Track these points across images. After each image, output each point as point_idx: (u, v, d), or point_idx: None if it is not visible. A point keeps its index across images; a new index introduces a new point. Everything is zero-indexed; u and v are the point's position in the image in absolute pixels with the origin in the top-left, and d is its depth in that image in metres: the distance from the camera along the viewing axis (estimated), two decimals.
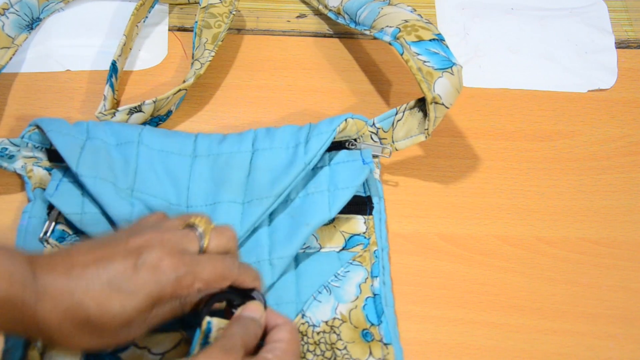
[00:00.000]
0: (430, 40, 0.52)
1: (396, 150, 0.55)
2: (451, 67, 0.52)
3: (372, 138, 0.55)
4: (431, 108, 0.52)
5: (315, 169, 0.53)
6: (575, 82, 0.63)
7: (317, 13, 0.66)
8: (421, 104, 0.54)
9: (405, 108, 0.54)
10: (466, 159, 0.59)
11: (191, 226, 0.45)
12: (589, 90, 0.63)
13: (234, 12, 0.61)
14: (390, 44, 0.54)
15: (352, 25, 0.59)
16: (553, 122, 0.61)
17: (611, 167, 0.59)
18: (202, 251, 0.44)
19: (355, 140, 0.54)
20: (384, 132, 0.55)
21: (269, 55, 0.64)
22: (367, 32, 0.57)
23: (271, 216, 0.52)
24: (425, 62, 0.52)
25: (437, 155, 0.59)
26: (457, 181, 0.58)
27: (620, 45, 0.65)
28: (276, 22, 0.66)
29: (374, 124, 0.54)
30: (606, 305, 0.53)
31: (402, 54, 0.52)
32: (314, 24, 0.66)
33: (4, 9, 0.60)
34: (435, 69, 0.51)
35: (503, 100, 0.62)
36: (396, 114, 0.54)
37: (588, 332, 0.52)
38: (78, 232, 0.51)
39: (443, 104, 0.51)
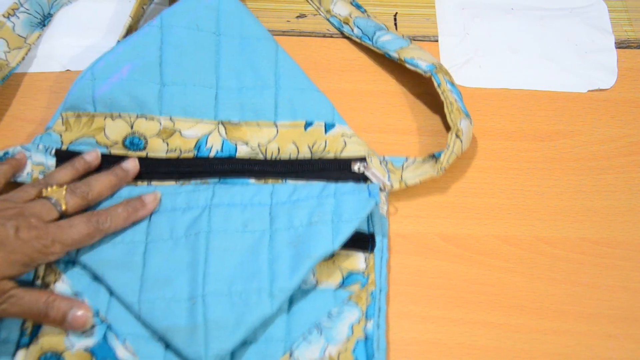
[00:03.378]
0: (457, 88, 0.58)
1: (405, 185, 0.54)
2: (469, 117, 0.56)
3: (381, 164, 0.55)
4: (452, 140, 0.54)
5: (320, 198, 0.52)
6: (575, 82, 0.63)
7: (317, 13, 0.66)
8: (431, 157, 0.55)
9: (416, 159, 0.56)
10: (466, 159, 0.59)
11: (45, 198, 0.49)
12: (589, 90, 0.63)
13: None
14: (428, 72, 0.57)
15: (365, 40, 0.62)
16: (553, 122, 0.61)
17: (611, 167, 0.59)
18: (63, 216, 0.49)
19: (364, 160, 0.55)
20: (393, 167, 0.55)
21: None
22: (394, 55, 0.59)
23: (272, 242, 0.50)
24: (456, 100, 0.56)
25: None
26: (457, 181, 0.58)
27: (620, 45, 0.65)
28: (276, 22, 0.66)
29: (384, 158, 0.55)
30: (606, 305, 0.53)
31: (439, 85, 0.57)
32: (314, 24, 0.66)
33: (13, 9, 0.60)
34: (462, 110, 0.56)
35: (503, 100, 0.62)
36: (406, 160, 0.56)
37: (588, 332, 0.52)
38: None
39: (461, 141, 0.54)
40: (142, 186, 0.54)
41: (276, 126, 0.56)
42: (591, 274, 0.54)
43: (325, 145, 0.56)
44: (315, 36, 0.65)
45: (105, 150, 0.55)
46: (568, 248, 0.55)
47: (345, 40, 0.65)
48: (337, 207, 0.51)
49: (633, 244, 0.55)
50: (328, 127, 0.56)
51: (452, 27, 0.66)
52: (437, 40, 0.65)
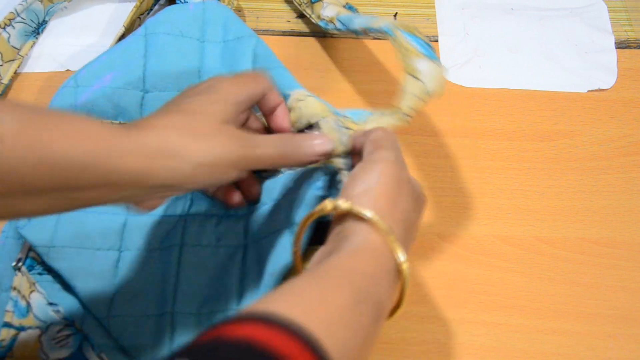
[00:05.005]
0: (424, 40, 0.50)
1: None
2: (437, 60, 0.49)
3: (335, 124, 0.49)
4: (408, 80, 0.48)
5: (274, 204, 0.50)
6: (575, 82, 0.63)
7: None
8: (395, 109, 0.49)
9: (382, 111, 0.50)
10: (466, 159, 0.59)
11: None
12: (589, 90, 0.63)
13: (233, 8, 0.61)
14: (381, 29, 0.51)
15: (343, 28, 0.58)
16: (553, 122, 0.61)
17: (611, 167, 0.59)
18: None
19: (313, 126, 0.50)
20: (353, 122, 0.49)
21: None
22: (358, 29, 0.55)
23: (244, 258, 0.49)
24: (413, 45, 0.49)
25: (437, 155, 0.59)
26: (457, 181, 0.58)
27: (620, 45, 0.65)
28: (276, 22, 0.66)
29: (344, 114, 0.50)
30: (606, 305, 0.53)
31: (395, 39, 0.49)
32: (314, 24, 0.66)
33: (9, 19, 0.60)
34: (422, 53, 0.49)
35: (503, 100, 0.62)
36: (371, 114, 0.50)
37: (588, 332, 0.52)
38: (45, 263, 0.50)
39: (421, 81, 0.48)
40: None
41: None
42: (591, 274, 0.54)
43: None
44: (315, 36, 0.65)
45: None
46: (568, 248, 0.55)
47: (345, 40, 0.65)
48: (289, 213, 0.49)
49: (633, 244, 0.55)
50: (285, 99, 0.51)
51: (452, 27, 0.66)
52: (437, 40, 0.65)
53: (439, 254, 0.54)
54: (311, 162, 0.45)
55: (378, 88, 0.62)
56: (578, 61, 0.64)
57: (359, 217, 0.38)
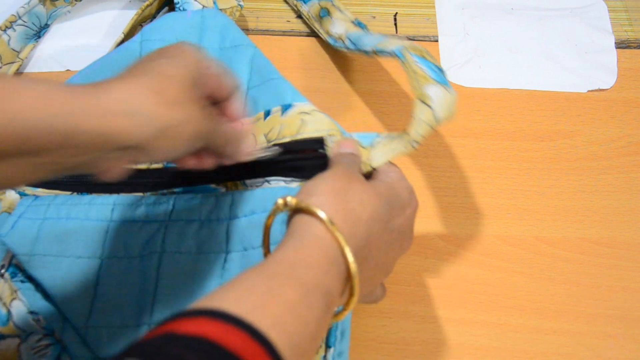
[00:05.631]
0: (434, 64, 0.48)
1: (370, 166, 0.46)
2: (448, 86, 0.47)
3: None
4: (418, 107, 0.46)
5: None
6: (575, 82, 0.63)
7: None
8: (404, 133, 0.47)
9: (388, 134, 0.48)
10: (466, 159, 0.59)
11: None
12: (589, 90, 0.63)
13: (241, 5, 0.61)
14: (392, 52, 0.49)
15: (353, 48, 0.57)
16: (553, 122, 0.61)
17: (611, 167, 0.59)
18: None
19: (322, 142, 0.48)
20: (361, 147, 0.47)
21: (268, 55, 0.63)
22: (369, 50, 0.53)
23: (225, 266, 0.48)
24: (422, 69, 0.47)
25: (437, 155, 0.59)
26: (457, 181, 0.58)
27: (620, 45, 0.65)
28: (276, 22, 0.66)
29: (350, 136, 0.48)
30: (606, 305, 0.53)
31: (404, 62, 0.48)
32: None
33: (11, 22, 0.60)
34: (432, 78, 0.47)
35: (503, 100, 0.62)
36: (377, 136, 0.48)
37: (588, 332, 0.52)
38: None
39: (431, 108, 0.46)
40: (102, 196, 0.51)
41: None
42: (591, 274, 0.54)
43: (281, 129, 0.50)
44: (315, 36, 0.65)
45: None
46: (568, 248, 0.55)
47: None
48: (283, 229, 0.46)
49: (633, 244, 0.55)
50: (285, 108, 0.51)
51: (452, 27, 0.66)
52: (437, 40, 0.65)
53: (439, 254, 0.54)
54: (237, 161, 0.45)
55: (378, 88, 0.62)
56: (578, 61, 0.64)
57: (306, 211, 0.38)
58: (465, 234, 0.55)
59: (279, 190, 0.49)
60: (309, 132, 0.48)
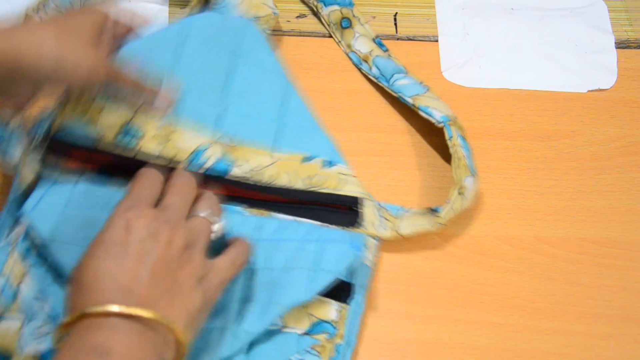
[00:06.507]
0: (468, 144, 0.55)
1: (400, 235, 0.52)
2: (477, 174, 0.54)
3: (375, 210, 0.53)
4: (453, 196, 0.52)
5: (302, 242, 0.49)
6: (575, 82, 0.63)
7: (317, 13, 0.66)
8: (429, 211, 0.53)
9: (413, 210, 0.54)
10: None
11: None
12: (589, 90, 0.63)
13: (276, 13, 0.61)
14: (442, 123, 0.55)
15: (382, 82, 0.60)
16: (553, 122, 0.61)
17: (611, 167, 0.59)
18: None
19: (356, 203, 0.52)
20: (389, 214, 0.53)
21: None
22: (409, 101, 0.57)
23: (247, 281, 0.48)
24: (465, 156, 0.54)
25: (437, 156, 0.59)
26: None
27: (620, 45, 0.65)
28: (276, 22, 0.66)
29: (379, 205, 0.53)
30: (606, 305, 0.53)
31: (450, 138, 0.54)
32: (314, 24, 0.66)
33: (43, 3, 0.58)
34: (469, 167, 0.54)
35: (503, 100, 0.62)
36: (402, 209, 0.54)
37: (588, 332, 0.52)
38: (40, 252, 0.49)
39: (464, 198, 0.53)
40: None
41: (272, 156, 0.54)
42: (591, 274, 0.54)
43: (320, 180, 0.53)
44: (315, 36, 0.65)
45: (90, 144, 0.51)
46: (568, 248, 0.55)
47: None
48: (316, 255, 0.48)
49: (633, 244, 0.55)
50: (326, 164, 0.54)
51: (452, 27, 0.66)
52: (437, 40, 0.65)
53: (439, 254, 0.54)
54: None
55: (378, 88, 0.62)
56: (578, 61, 0.64)
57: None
58: (465, 234, 0.55)
59: (307, 229, 0.51)
60: (347, 190, 0.53)
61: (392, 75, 0.60)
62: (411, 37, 0.64)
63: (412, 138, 0.60)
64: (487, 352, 0.51)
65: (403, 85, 0.59)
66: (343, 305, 0.49)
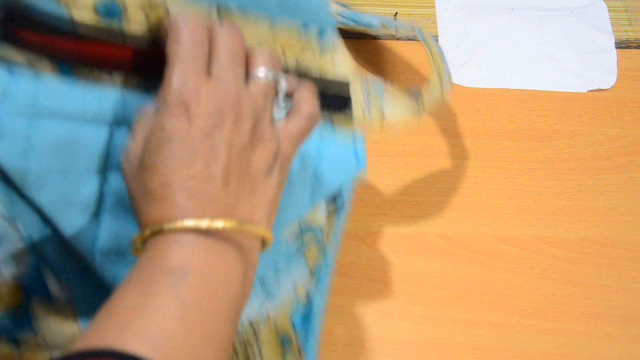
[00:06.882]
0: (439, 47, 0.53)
1: (384, 121, 0.48)
2: (449, 74, 0.52)
3: (362, 90, 0.48)
4: (436, 77, 0.49)
5: (302, 155, 0.45)
6: (575, 82, 0.63)
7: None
8: (410, 92, 0.50)
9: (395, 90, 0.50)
10: (466, 159, 0.59)
11: None
12: (589, 90, 0.63)
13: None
14: (413, 30, 0.53)
15: (348, 22, 0.57)
16: (553, 122, 0.61)
17: (611, 167, 0.59)
18: None
19: (347, 90, 0.47)
20: (373, 91, 0.48)
21: None
22: (375, 22, 0.56)
23: None
24: (440, 55, 0.51)
25: (437, 155, 0.59)
26: (457, 181, 0.58)
27: (620, 45, 0.65)
28: None
29: (366, 80, 0.48)
30: (606, 305, 0.53)
31: (423, 40, 0.52)
32: None
33: None
34: (443, 61, 0.51)
35: (503, 100, 0.62)
36: (384, 86, 0.49)
37: (588, 332, 0.52)
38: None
39: (443, 83, 0.50)
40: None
41: (272, 27, 0.44)
42: (591, 274, 0.54)
43: (311, 57, 0.46)
44: None
45: (64, 14, 0.36)
46: (568, 248, 0.55)
47: (345, 40, 0.65)
48: (316, 171, 0.45)
49: (633, 244, 0.55)
50: (321, 33, 0.47)
51: (452, 27, 0.66)
52: (437, 40, 0.65)
53: (439, 254, 0.54)
54: None
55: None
56: (578, 61, 0.64)
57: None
58: (465, 234, 0.55)
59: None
60: (336, 73, 0.47)
61: (358, 15, 0.57)
62: (411, 37, 0.64)
63: (413, 138, 0.59)
64: (487, 352, 0.51)
65: (367, 17, 0.56)
66: (330, 207, 0.46)
